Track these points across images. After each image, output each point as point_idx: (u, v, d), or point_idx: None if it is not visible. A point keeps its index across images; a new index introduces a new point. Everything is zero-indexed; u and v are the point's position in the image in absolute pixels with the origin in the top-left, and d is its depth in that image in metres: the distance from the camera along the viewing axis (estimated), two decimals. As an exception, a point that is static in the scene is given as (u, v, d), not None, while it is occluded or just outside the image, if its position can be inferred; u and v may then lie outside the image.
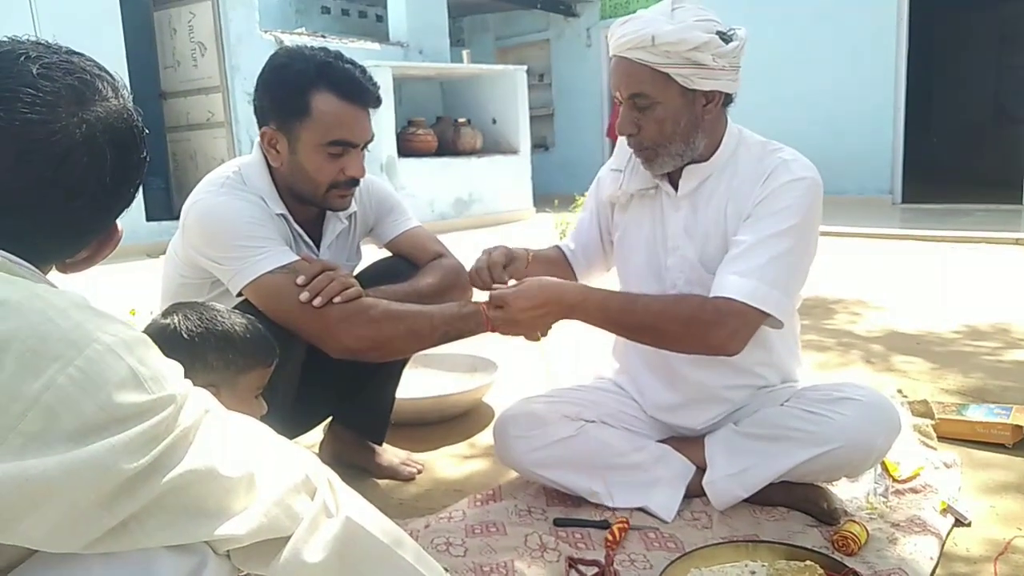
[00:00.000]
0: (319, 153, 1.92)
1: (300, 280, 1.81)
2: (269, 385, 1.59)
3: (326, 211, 2.11)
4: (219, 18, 8.53)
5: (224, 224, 1.89)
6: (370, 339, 1.84)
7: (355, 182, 1.99)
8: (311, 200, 2.01)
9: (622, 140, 2.02)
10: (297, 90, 1.89)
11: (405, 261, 2.23)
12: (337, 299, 1.81)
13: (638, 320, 1.86)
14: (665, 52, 1.78)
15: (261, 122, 1.97)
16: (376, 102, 1.97)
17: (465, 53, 10.84)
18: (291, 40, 9.24)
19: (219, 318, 1.47)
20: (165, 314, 1.48)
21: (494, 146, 10.45)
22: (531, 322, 1.84)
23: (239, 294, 1.88)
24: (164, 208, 8.56)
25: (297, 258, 1.89)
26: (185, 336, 1.42)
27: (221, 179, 1.98)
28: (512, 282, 1.92)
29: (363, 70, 1.96)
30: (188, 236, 1.96)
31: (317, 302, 1.79)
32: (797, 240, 1.84)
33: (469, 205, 9.91)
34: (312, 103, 1.89)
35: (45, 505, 0.78)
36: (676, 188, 2.00)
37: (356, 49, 10.01)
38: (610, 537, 1.89)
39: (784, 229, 1.83)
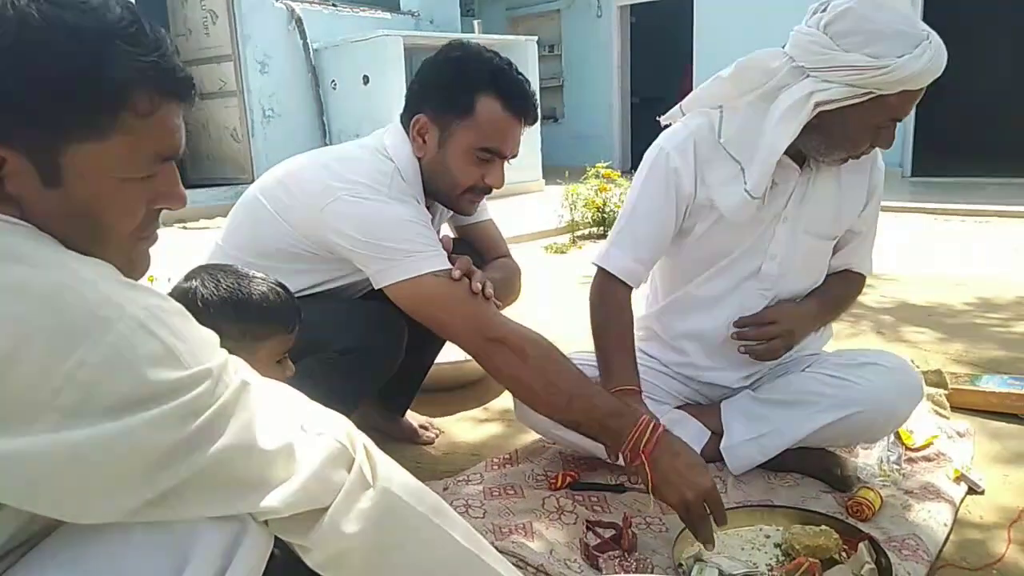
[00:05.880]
0: (468, 156, 1.90)
1: (455, 274, 1.78)
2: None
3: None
4: (230, -14, 8.51)
5: (394, 232, 1.79)
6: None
7: (489, 190, 1.98)
8: (444, 197, 1.99)
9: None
10: (466, 88, 1.86)
11: (469, 248, 2.20)
12: (489, 290, 1.81)
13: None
14: None
15: (414, 108, 1.93)
16: (534, 120, 1.94)
17: (476, 23, 10.75)
18: (302, 9, 9.22)
19: (238, 285, 1.44)
20: (188, 277, 1.46)
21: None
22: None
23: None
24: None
25: (450, 265, 1.82)
26: (200, 304, 1.39)
27: (385, 177, 1.86)
28: None
29: (529, 84, 1.93)
30: (336, 225, 1.81)
31: (488, 292, 1.80)
32: None
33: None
34: (477, 105, 1.86)
35: (79, 478, 0.79)
36: (799, 164, 1.98)
37: (367, 18, 9.98)
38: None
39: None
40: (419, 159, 1.94)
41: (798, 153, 1.94)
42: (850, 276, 2.20)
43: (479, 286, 1.79)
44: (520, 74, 1.92)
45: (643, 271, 2.05)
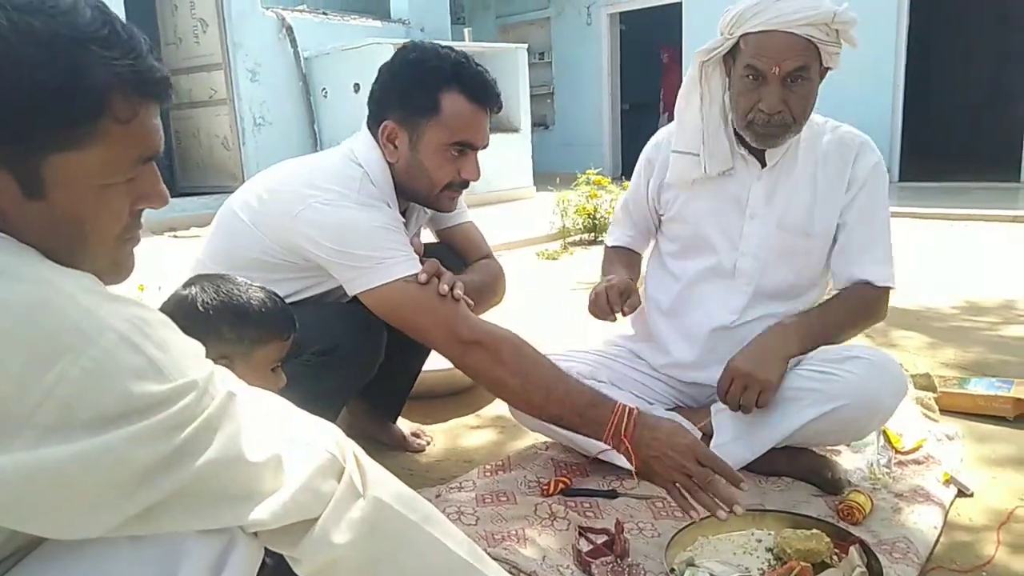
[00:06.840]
0: (441, 153, 1.91)
1: (422, 278, 1.79)
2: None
3: (411, 204, 2.08)
4: (220, -6, 8.49)
5: (363, 240, 1.80)
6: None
7: (466, 184, 1.99)
8: (423, 198, 1.99)
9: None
10: (429, 87, 1.87)
11: (450, 251, 2.22)
12: (458, 291, 1.80)
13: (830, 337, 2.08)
14: (835, 30, 1.86)
15: (379, 115, 1.93)
16: (499, 108, 1.96)
17: (466, 31, 10.79)
18: (293, 17, 9.22)
19: (236, 291, 1.47)
20: (186, 284, 1.49)
21: (495, 124, 10.13)
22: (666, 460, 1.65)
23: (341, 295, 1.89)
24: (167, 185, 8.54)
25: (420, 268, 1.83)
26: (200, 308, 1.42)
27: (353, 183, 1.87)
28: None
29: (489, 73, 1.95)
30: (307, 232, 1.81)
31: (457, 294, 1.79)
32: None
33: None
34: (442, 102, 1.87)
35: (60, 495, 0.77)
36: (761, 162, 2.07)
37: (357, 26, 9.99)
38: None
39: (888, 213, 2.17)
40: (392, 164, 1.94)
41: (756, 149, 2.05)
42: (856, 291, 2.11)
43: (447, 288, 1.79)
44: (479, 65, 1.94)
45: (637, 245, 2.38)
